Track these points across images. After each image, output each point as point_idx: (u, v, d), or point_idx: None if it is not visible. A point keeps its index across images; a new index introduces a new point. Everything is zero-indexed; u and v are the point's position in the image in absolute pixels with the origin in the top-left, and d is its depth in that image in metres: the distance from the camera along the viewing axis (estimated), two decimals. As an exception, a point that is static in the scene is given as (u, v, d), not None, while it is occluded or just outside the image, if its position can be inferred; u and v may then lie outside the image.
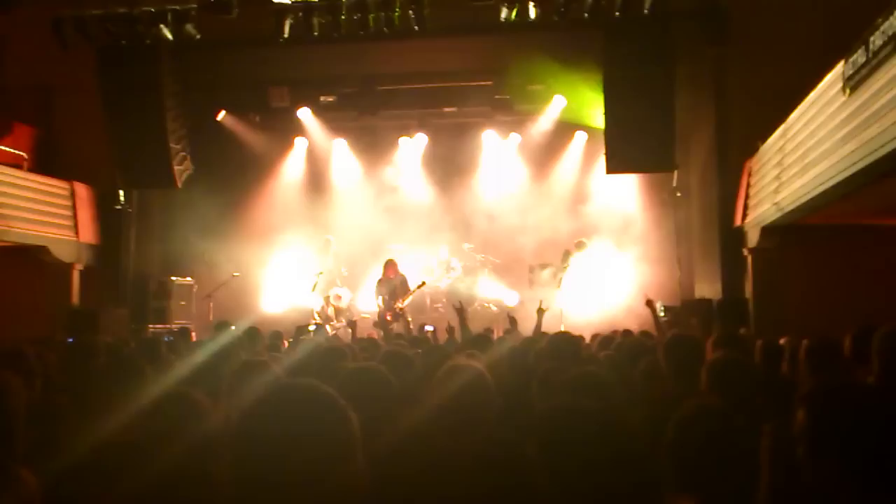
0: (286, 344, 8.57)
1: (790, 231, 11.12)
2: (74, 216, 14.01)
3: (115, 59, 13.33)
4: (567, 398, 3.41)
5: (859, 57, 7.67)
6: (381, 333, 12.82)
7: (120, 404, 3.28)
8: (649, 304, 7.96)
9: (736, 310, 11.89)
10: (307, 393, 1.75)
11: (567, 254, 14.32)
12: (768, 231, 11.45)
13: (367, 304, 14.93)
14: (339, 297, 14.69)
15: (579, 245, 14.36)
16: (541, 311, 8.07)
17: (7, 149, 12.90)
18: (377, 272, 14.08)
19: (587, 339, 8.07)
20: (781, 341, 5.44)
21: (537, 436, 2.66)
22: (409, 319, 13.54)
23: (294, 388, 1.78)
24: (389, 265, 13.79)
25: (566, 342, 5.12)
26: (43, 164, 14.11)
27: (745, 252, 12.38)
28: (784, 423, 2.37)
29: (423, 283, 13.70)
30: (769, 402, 3.50)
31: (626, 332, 8.65)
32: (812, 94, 9.31)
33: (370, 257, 15.19)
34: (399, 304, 13.40)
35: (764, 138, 11.40)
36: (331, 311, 14.57)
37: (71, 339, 9.25)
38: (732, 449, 2.51)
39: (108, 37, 12.91)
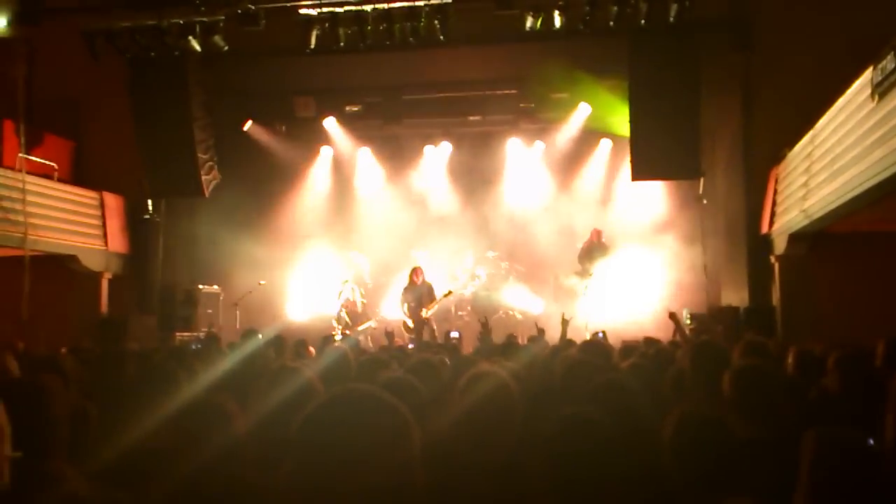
0: (312, 352, 8.58)
1: (818, 238, 11.03)
2: (104, 225, 14.20)
3: (144, 70, 13.50)
4: (584, 408, 3.42)
5: (888, 63, 7.59)
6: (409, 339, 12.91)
7: (149, 411, 3.32)
8: (672, 316, 7.93)
9: (763, 318, 11.79)
10: (369, 400, 1.74)
11: (593, 247, 14.38)
12: (796, 238, 11.36)
13: (393, 310, 14.95)
14: (354, 290, 14.73)
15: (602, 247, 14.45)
16: (565, 322, 8.06)
17: (38, 159, 13.08)
18: (402, 280, 14.11)
19: (614, 346, 8.03)
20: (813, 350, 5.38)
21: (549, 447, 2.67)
22: (434, 327, 13.57)
23: (356, 395, 1.75)
24: (416, 272, 13.83)
25: (596, 351, 5.11)
26: (73, 174, 14.35)
27: (773, 259, 12.29)
28: (827, 430, 2.35)
29: (450, 293, 13.72)
30: (797, 410, 3.46)
31: (651, 341, 8.59)
32: (840, 101, 9.24)
33: (395, 265, 15.23)
34: (424, 313, 13.42)
35: (791, 145, 11.32)
36: (346, 316, 14.57)
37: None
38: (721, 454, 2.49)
39: (137, 49, 13.07)
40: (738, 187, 13.23)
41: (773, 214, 12.29)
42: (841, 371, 4.16)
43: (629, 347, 6.64)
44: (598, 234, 14.82)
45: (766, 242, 12.46)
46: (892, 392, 2.63)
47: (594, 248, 14.65)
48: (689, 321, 12.34)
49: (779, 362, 5.03)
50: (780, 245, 11.91)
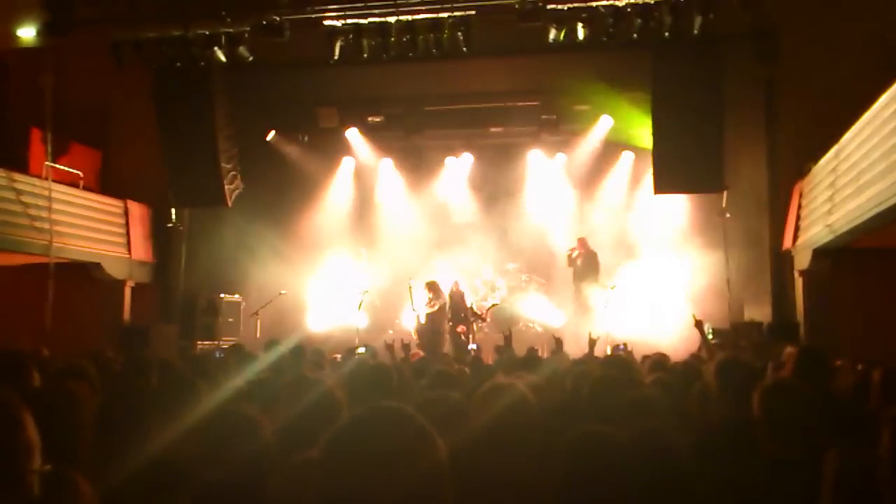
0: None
1: (842, 254, 10.93)
2: (127, 234, 14.32)
3: (170, 80, 13.60)
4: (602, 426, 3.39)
5: (916, 77, 7.54)
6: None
7: (173, 421, 3.33)
8: (698, 325, 7.86)
9: (787, 333, 11.68)
10: (395, 418, 1.71)
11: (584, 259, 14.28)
12: (820, 253, 11.25)
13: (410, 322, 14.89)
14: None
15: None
16: (592, 341, 8.01)
17: (64, 168, 13.22)
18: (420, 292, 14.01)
19: (636, 360, 7.97)
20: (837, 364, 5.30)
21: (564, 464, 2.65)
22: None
23: (382, 413, 1.72)
24: (433, 287, 13.73)
25: (618, 366, 5.08)
26: (98, 182, 14.49)
27: (796, 274, 12.18)
28: (851, 449, 2.31)
29: (495, 305, 13.70)
30: (831, 429, 3.40)
31: (663, 356, 8.48)
32: (866, 115, 9.16)
33: (415, 276, 15.21)
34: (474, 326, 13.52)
35: (815, 159, 11.24)
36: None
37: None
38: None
39: (163, 59, 13.21)
40: (761, 201, 13.14)
41: (796, 229, 12.20)
42: (886, 389, 4.10)
43: (655, 363, 6.59)
44: (583, 243, 14.56)
45: (789, 257, 12.36)
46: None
47: (585, 261, 14.37)
48: (711, 336, 12.22)
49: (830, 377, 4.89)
50: (803, 260, 11.80)
